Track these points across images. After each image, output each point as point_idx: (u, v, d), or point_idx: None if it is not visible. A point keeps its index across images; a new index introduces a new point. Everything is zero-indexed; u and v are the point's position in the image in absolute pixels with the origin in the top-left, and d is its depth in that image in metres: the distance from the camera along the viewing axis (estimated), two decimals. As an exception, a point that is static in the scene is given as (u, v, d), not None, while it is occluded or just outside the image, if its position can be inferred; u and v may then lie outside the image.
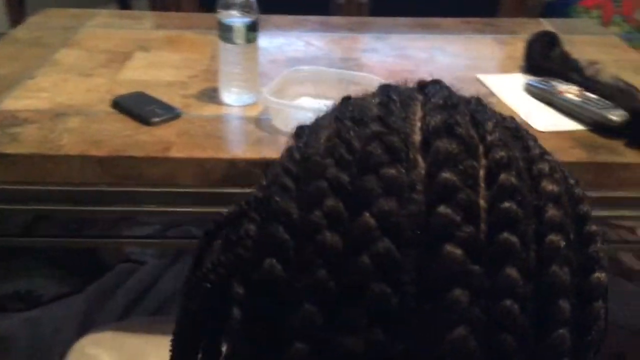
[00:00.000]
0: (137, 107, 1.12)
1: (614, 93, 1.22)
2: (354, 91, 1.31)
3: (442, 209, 0.29)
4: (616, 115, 1.14)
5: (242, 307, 0.32)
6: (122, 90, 1.19)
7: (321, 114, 0.38)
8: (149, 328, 1.25)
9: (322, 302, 0.29)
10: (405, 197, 0.29)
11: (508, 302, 0.28)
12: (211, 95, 1.22)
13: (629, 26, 2.68)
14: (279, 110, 1.14)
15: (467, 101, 0.35)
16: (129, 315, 1.43)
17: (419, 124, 0.32)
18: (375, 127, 0.32)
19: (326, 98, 1.23)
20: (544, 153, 0.33)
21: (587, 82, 1.26)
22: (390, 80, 1.29)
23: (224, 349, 0.37)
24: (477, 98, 0.36)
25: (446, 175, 0.29)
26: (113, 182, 0.99)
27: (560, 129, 1.14)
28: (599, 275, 0.31)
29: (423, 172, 0.30)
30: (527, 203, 0.30)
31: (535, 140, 0.34)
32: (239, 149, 1.06)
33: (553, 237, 0.30)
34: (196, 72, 1.32)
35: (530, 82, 1.28)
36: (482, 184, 0.30)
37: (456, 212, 0.29)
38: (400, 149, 0.31)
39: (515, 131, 0.34)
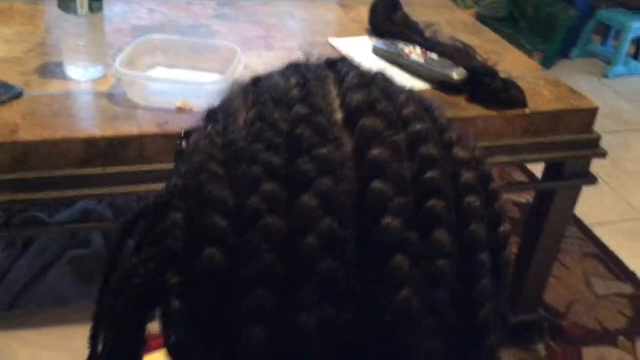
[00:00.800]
0: (-29, 88, 1.02)
1: (453, 53, 1.31)
2: (209, 60, 1.28)
3: (376, 184, 0.30)
4: (456, 74, 1.23)
5: (181, 298, 0.31)
6: (-51, 70, 1.07)
7: (227, 94, 0.37)
8: (9, 323, 1.16)
9: (272, 284, 0.29)
10: (338, 175, 0.30)
11: (440, 262, 0.30)
12: (54, 70, 1.13)
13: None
14: (132, 82, 1.08)
15: (374, 77, 0.36)
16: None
17: (337, 102, 0.33)
18: (300, 108, 0.32)
19: (180, 68, 1.19)
20: (449, 122, 0.36)
21: (428, 43, 1.34)
22: (246, 47, 1.27)
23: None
24: (381, 73, 0.37)
25: (376, 151, 0.30)
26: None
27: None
28: (505, 227, 0.35)
29: (350, 149, 0.31)
30: (445, 170, 0.32)
31: (439, 109, 0.36)
32: (95, 127, 1.00)
33: (470, 198, 0.32)
34: (32, 45, 1.22)
35: (378, 45, 1.34)
36: (405, 157, 0.31)
37: (389, 185, 0.30)
38: (327, 129, 0.31)
39: (422, 103, 0.35)
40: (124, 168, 0.98)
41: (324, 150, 0.30)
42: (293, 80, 0.34)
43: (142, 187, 1.00)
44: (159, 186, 1.12)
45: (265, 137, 0.31)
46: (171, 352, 0.32)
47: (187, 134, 0.46)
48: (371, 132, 0.31)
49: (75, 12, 1.07)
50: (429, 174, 0.31)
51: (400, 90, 0.35)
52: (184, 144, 0.45)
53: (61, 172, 0.95)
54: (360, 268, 0.29)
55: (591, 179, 1.32)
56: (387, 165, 0.30)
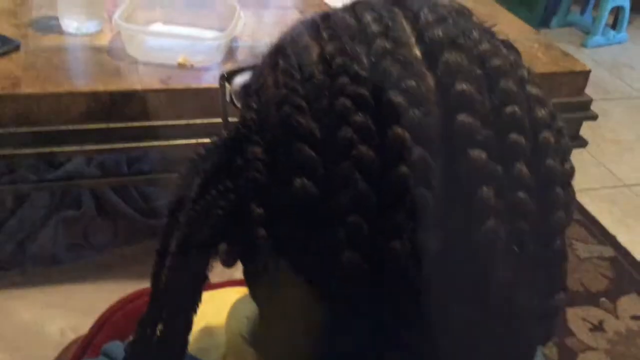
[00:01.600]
0: (-34, 40, 0.98)
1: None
2: (207, 16, 1.25)
3: (462, 117, 0.30)
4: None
5: (267, 227, 0.31)
6: (-59, 21, 1.03)
7: (292, 31, 0.37)
8: (6, 282, 1.15)
9: (366, 212, 0.30)
10: (426, 107, 0.31)
11: (521, 194, 0.31)
12: (49, 24, 1.10)
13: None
14: (132, 37, 1.06)
15: (447, 13, 0.35)
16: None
17: (413, 38, 0.33)
18: (382, 43, 0.32)
19: (178, 24, 1.17)
20: (520, 59, 0.36)
21: (425, 5, 1.34)
22: (242, 5, 1.24)
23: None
24: (451, 7, 0.37)
25: (462, 86, 0.31)
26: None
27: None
28: (570, 163, 0.36)
29: (433, 83, 0.31)
30: (523, 106, 0.33)
31: (505, 46, 0.36)
32: (98, 81, 0.97)
33: (545, 134, 0.33)
34: (23, -2, 1.18)
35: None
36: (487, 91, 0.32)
37: (475, 119, 0.31)
38: (411, 63, 0.32)
39: (494, 39, 0.35)
40: (128, 124, 0.97)
41: (412, 83, 0.31)
42: (369, 16, 0.34)
43: (145, 143, 0.99)
44: (162, 142, 1.10)
45: (350, 71, 0.31)
46: (256, 277, 0.32)
47: (231, 75, 0.45)
48: (455, 67, 0.32)
49: (72, -37, 1.04)
50: (509, 109, 0.32)
51: (472, 26, 0.35)
52: (227, 85, 0.45)
53: (65, 127, 0.93)
54: (448, 199, 0.30)
55: (582, 142, 1.34)
56: (473, 99, 0.31)
